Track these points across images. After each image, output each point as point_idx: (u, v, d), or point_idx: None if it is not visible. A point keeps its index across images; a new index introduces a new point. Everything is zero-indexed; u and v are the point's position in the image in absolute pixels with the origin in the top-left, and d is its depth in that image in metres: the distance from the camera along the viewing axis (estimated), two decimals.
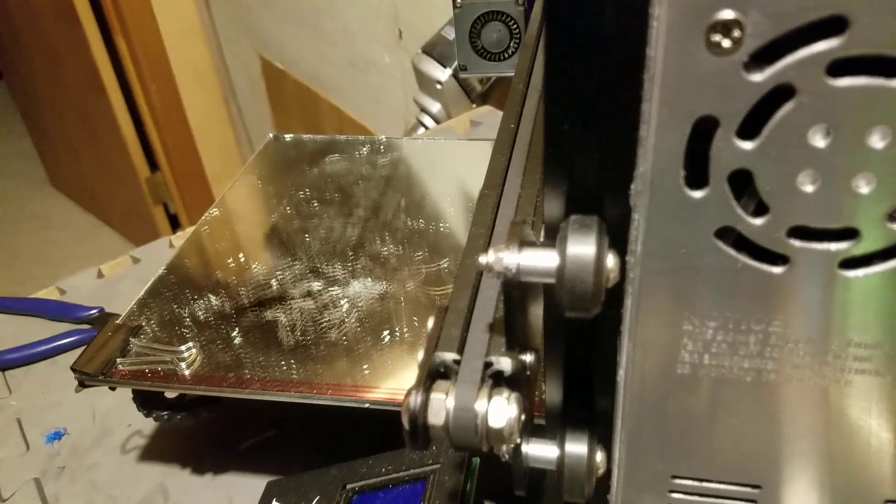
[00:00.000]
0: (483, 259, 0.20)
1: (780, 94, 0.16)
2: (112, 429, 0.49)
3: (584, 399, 0.25)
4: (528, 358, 0.23)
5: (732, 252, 0.19)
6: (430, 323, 0.25)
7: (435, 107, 0.94)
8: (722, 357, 0.21)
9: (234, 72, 1.91)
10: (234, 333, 0.41)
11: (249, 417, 0.48)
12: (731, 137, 0.17)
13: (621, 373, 0.23)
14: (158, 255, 0.67)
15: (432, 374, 0.22)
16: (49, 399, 0.52)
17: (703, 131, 0.17)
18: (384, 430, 0.43)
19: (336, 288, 0.44)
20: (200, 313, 0.43)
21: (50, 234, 2.11)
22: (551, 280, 0.20)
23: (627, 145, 0.19)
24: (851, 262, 0.18)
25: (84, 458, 0.47)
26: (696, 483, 0.25)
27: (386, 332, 0.40)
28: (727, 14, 0.15)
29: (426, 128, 0.95)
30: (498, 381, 0.22)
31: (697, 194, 0.18)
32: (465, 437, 0.21)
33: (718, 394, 0.22)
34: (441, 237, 0.48)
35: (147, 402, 0.41)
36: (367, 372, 0.38)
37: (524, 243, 0.20)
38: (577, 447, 0.24)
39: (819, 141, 0.16)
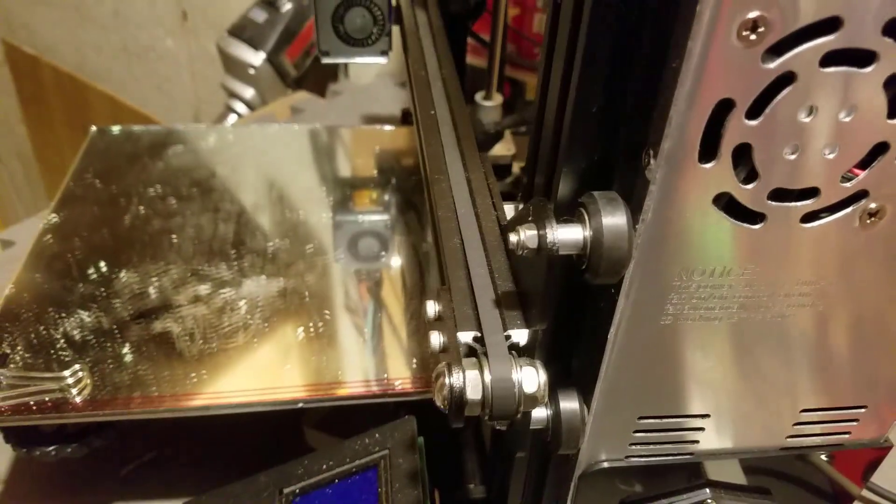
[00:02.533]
0: (514, 237, 0.22)
1: (783, 80, 0.19)
2: None
3: (570, 361, 0.27)
4: (538, 328, 0.25)
5: (723, 214, 0.22)
6: (430, 305, 0.26)
7: (248, 92, 0.90)
8: (699, 306, 0.25)
9: None
10: (125, 350, 0.37)
11: (122, 441, 0.44)
12: (741, 117, 0.20)
13: (612, 331, 0.25)
14: None
15: (460, 353, 0.23)
16: None
17: (718, 112, 0.20)
18: (270, 435, 0.43)
19: (228, 289, 0.42)
20: (75, 332, 0.38)
21: None
22: (577, 251, 0.22)
23: (644, 126, 0.21)
24: (808, 216, 0.23)
25: None
26: (657, 420, 0.29)
27: (300, 329, 0.39)
28: (756, 13, 0.18)
29: (239, 115, 0.90)
30: (518, 352, 0.23)
31: (707, 166, 0.21)
32: (507, 406, 0.22)
33: (689, 338, 0.26)
34: (324, 227, 0.48)
35: (26, 438, 0.35)
36: (290, 370, 0.37)
37: (557, 220, 0.21)
38: (570, 404, 0.27)
39: (805, 118, 0.20)
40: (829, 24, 0.19)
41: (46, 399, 0.34)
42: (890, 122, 0.21)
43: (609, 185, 0.23)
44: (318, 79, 0.94)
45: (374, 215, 0.51)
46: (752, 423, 0.29)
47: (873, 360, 0.28)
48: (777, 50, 0.19)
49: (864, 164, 0.22)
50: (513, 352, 0.23)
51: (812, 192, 0.22)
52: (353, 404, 0.36)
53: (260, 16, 0.87)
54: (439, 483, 0.38)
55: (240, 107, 0.91)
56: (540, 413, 0.27)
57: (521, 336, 0.24)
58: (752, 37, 0.18)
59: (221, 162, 0.53)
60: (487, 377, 0.22)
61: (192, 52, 1.22)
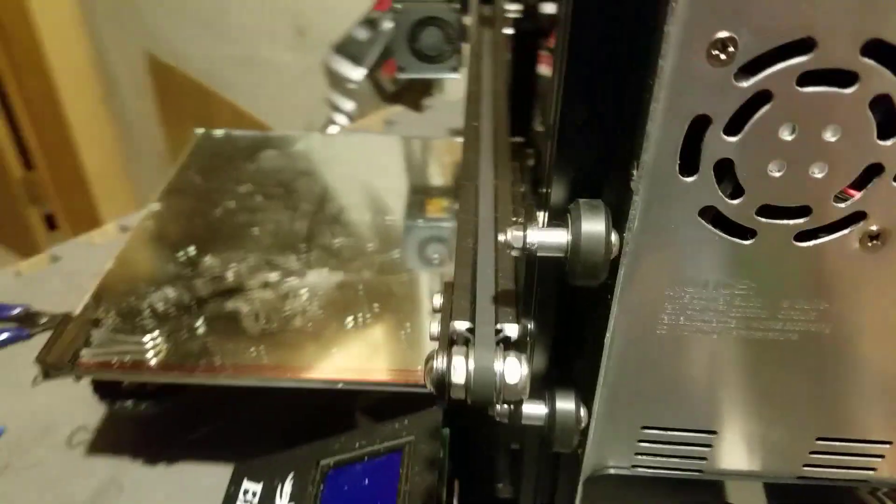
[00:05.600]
0: (502, 237, 0.23)
1: (760, 98, 0.20)
2: (54, 425, 0.47)
3: (569, 363, 0.28)
4: (530, 325, 0.26)
5: (711, 228, 0.22)
6: (437, 299, 0.27)
7: (348, 105, 0.95)
8: (694, 318, 0.25)
9: (117, 68, 1.81)
10: (198, 323, 0.41)
11: (196, 408, 0.48)
12: (720, 133, 0.20)
13: (608, 336, 0.26)
14: (78, 253, 0.64)
15: (450, 341, 0.24)
16: None
17: (696, 127, 0.21)
18: (338, 411, 0.45)
19: (293, 278, 0.45)
20: (160, 305, 0.43)
21: None
22: (560, 254, 0.23)
23: (629, 140, 0.22)
24: (803, 235, 0.23)
25: (28, 456, 0.45)
26: (662, 432, 0.29)
27: (349, 318, 0.42)
28: (725, 33, 0.19)
29: (340, 127, 0.95)
30: (507, 345, 0.25)
31: (688, 179, 0.21)
32: (485, 394, 0.23)
33: (688, 350, 0.26)
34: (389, 229, 0.50)
35: (109, 392, 0.40)
36: (336, 354, 0.40)
37: (547, 224, 0.23)
38: (566, 404, 0.27)
39: (787, 136, 0.20)
40: (803, 45, 0.19)
41: (127, 359, 0.38)
42: (881, 143, 0.20)
43: (601, 195, 0.24)
44: (415, 95, 0.97)
45: (441, 222, 0.53)
46: (764, 446, 0.29)
47: (894, 392, 0.27)
48: (752, 69, 0.19)
49: (859, 184, 0.21)
50: (500, 344, 0.24)
51: (804, 211, 0.22)
52: (386, 390, 0.38)
53: (362, 34, 0.92)
54: (470, 480, 0.39)
55: (341, 119, 0.96)
56: (537, 410, 0.28)
57: (511, 330, 0.25)
58: (723, 56, 0.19)
59: (307, 166, 0.57)
60: (471, 364, 0.23)
61: (306, 66, 1.30)
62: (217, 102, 1.51)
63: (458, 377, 0.23)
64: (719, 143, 0.21)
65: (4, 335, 0.52)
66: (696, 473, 0.30)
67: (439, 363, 0.23)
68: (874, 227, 0.22)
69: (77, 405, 0.48)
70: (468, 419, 0.36)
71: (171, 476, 0.45)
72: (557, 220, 0.23)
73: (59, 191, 1.93)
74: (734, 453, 0.29)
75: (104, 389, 0.40)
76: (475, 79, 0.41)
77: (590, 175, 0.23)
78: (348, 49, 0.94)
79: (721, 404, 0.27)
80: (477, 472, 0.40)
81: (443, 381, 0.23)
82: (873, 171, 0.21)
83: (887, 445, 0.28)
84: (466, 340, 0.25)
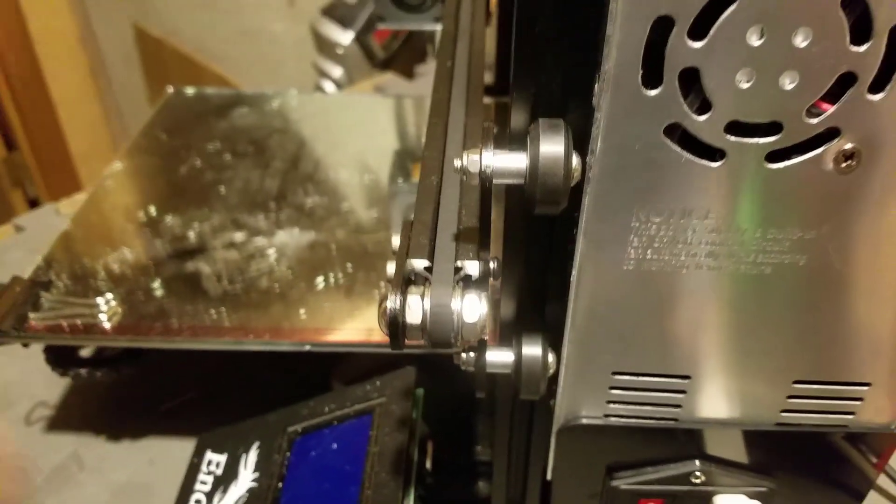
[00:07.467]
0: (458, 163, 0.22)
1: None
2: (13, 402, 0.47)
3: (537, 306, 0.28)
4: (491, 264, 0.25)
5: (677, 148, 0.22)
6: (395, 239, 0.27)
7: (336, 71, 0.95)
8: (662, 251, 0.24)
9: (105, 41, 1.81)
10: (156, 285, 0.41)
11: (166, 379, 0.48)
12: (684, 36, 0.20)
13: (574, 273, 0.25)
14: (45, 222, 0.64)
15: (406, 280, 0.24)
16: None
17: (660, 31, 0.20)
18: (314, 382, 0.44)
19: (261, 238, 0.45)
20: (115, 266, 0.42)
21: None
22: (520, 181, 0.22)
23: (590, 50, 0.21)
24: (775, 156, 0.22)
25: None
26: (633, 378, 0.28)
27: (320, 279, 0.42)
28: None
29: (327, 94, 0.95)
30: (467, 283, 0.24)
31: (652, 92, 0.21)
32: (443, 333, 0.23)
33: (657, 287, 0.25)
34: (366, 187, 0.50)
35: (62, 359, 0.40)
36: (304, 316, 0.39)
37: (497, 146, 0.22)
38: (532, 349, 0.27)
39: (755, 40, 0.20)
40: None
41: (79, 322, 0.38)
42: (854, 48, 0.20)
43: (565, 117, 0.23)
44: (406, 61, 0.96)
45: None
46: (740, 391, 0.28)
47: (874, 329, 0.26)
48: None
49: (832, 97, 0.21)
50: (460, 283, 0.24)
51: (775, 128, 0.21)
52: (358, 352, 0.38)
53: None
54: (448, 443, 0.39)
55: (328, 86, 0.96)
56: (503, 357, 0.27)
57: (472, 268, 0.24)
58: None
59: (281, 124, 0.57)
60: (427, 303, 0.23)
61: (297, 36, 1.30)
62: (208, 76, 1.51)
63: (413, 317, 0.23)
64: (684, 49, 0.20)
65: None
66: (671, 422, 0.29)
67: (393, 303, 0.23)
68: (848, 146, 0.21)
69: (37, 380, 0.48)
70: (443, 379, 0.36)
71: (136, 451, 0.44)
72: (517, 145, 0.23)
73: (43, 172, 1.93)
74: (709, 400, 0.28)
75: (57, 356, 0.40)
76: (452, 17, 0.40)
77: (553, 94, 0.22)
78: (336, 11, 0.93)
79: (693, 346, 0.27)
80: (454, 435, 0.39)
81: (397, 323, 0.23)
82: (846, 82, 0.20)
83: (866, 387, 0.28)
84: (424, 280, 0.24)
